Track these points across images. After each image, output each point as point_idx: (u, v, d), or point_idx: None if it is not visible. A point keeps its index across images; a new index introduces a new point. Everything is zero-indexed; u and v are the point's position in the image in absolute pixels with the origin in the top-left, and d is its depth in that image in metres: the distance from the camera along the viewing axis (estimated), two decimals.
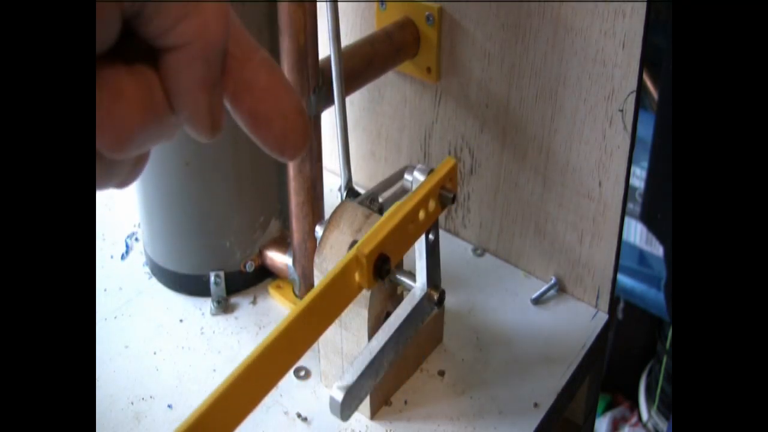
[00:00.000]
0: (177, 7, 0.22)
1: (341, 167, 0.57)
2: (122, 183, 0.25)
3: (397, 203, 0.46)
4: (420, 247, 0.52)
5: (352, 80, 0.61)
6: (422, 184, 0.48)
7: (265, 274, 0.68)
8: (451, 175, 0.50)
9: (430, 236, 0.51)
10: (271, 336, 0.36)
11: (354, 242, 0.45)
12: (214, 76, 0.24)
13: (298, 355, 0.38)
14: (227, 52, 0.24)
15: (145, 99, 0.23)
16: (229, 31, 0.23)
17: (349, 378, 0.48)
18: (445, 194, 0.49)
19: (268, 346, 0.36)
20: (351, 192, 0.57)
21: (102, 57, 0.22)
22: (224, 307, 0.66)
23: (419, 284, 0.53)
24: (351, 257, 0.41)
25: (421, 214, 0.47)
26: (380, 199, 0.56)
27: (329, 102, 0.58)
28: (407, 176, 0.52)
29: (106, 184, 0.25)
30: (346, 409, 0.48)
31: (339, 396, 0.48)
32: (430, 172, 0.50)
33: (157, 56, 0.23)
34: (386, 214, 0.45)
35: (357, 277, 0.41)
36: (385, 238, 0.43)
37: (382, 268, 0.42)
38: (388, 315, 0.54)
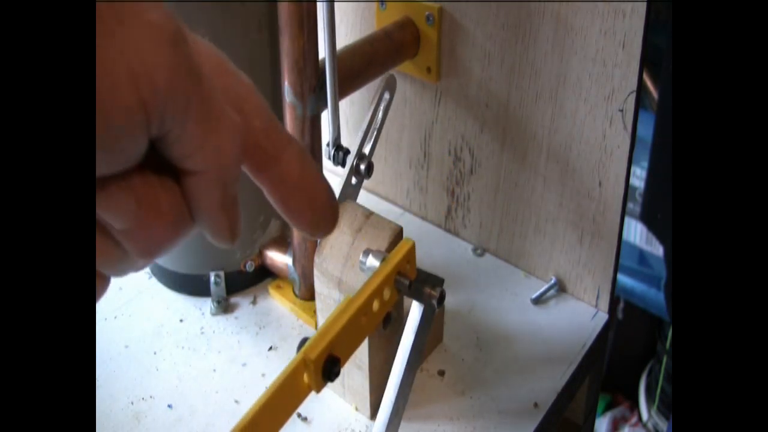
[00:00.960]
0: (195, 136, 0.23)
1: (329, 123, 0.56)
2: (136, 270, 0.27)
3: (348, 297, 0.43)
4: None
5: (352, 80, 0.61)
6: (376, 273, 0.45)
7: (265, 274, 0.68)
8: (409, 258, 0.46)
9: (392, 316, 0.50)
10: None
11: (305, 340, 0.42)
12: (231, 195, 0.25)
13: None
14: (261, 148, 0.26)
15: (177, 216, 0.24)
16: (241, 155, 0.25)
17: None
18: (401, 280, 0.46)
19: None
20: (339, 148, 0.56)
21: (134, 169, 0.23)
22: (224, 307, 0.66)
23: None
24: (298, 361, 0.39)
25: (375, 305, 0.44)
26: (365, 151, 0.55)
27: (324, 105, 0.58)
28: (362, 258, 0.48)
29: (120, 273, 0.26)
30: None
31: None
32: (384, 258, 0.47)
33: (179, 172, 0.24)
34: (335, 310, 0.42)
35: (305, 379, 0.40)
36: (333, 339, 0.41)
37: (331, 370, 0.40)
38: (388, 316, 0.54)
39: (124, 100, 0.21)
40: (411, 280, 0.46)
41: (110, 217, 0.24)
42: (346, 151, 0.56)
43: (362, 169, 0.54)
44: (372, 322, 0.44)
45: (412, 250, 0.46)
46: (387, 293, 0.45)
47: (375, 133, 0.55)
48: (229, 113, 0.24)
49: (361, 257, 0.48)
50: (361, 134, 0.54)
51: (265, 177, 0.26)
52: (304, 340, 0.41)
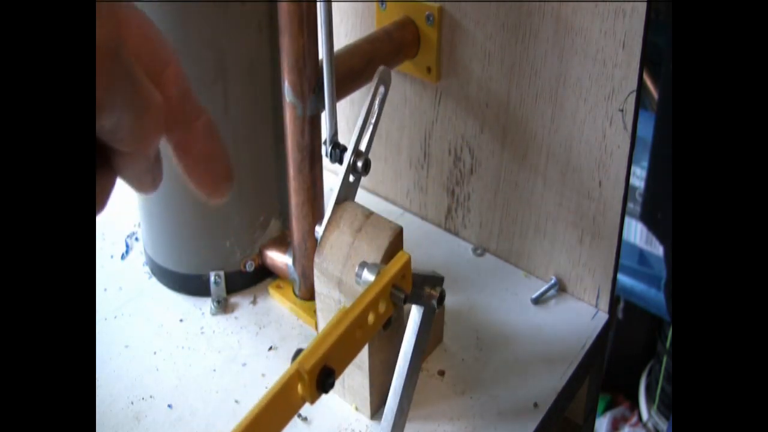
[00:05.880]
0: (125, 127, 0.25)
1: (326, 120, 0.56)
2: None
3: (343, 308, 0.43)
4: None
5: (352, 79, 0.61)
6: (371, 285, 0.45)
7: (265, 274, 0.68)
8: (404, 272, 0.46)
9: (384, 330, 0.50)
10: None
11: (299, 351, 0.43)
12: (153, 159, 0.28)
13: None
14: (174, 115, 0.28)
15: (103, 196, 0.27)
16: (162, 131, 0.27)
17: None
18: (396, 294, 0.46)
19: None
20: (336, 146, 0.56)
21: None
22: (224, 306, 0.66)
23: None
24: (292, 373, 0.39)
25: (371, 318, 0.44)
26: (362, 147, 0.55)
27: (322, 105, 0.58)
28: (358, 271, 0.48)
29: None
30: None
31: None
32: (380, 271, 0.47)
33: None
34: (330, 322, 0.42)
35: (300, 390, 0.39)
36: (327, 351, 0.40)
37: (325, 382, 0.40)
38: (388, 318, 0.54)
39: None
40: (407, 293, 0.46)
41: None
42: (343, 149, 0.56)
43: (359, 167, 0.54)
44: (367, 335, 0.44)
45: (407, 264, 0.46)
46: (382, 306, 0.45)
47: (371, 128, 0.55)
48: (155, 97, 0.26)
49: (356, 270, 0.48)
50: (357, 130, 0.54)
51: (174, 140, 0.28)
52: (298, 352, 0.41)
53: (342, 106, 0.77)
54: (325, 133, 0.57)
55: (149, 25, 0.26)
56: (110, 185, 0.27)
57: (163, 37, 0.27)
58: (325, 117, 0.57)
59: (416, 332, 0.50)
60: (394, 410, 0.50)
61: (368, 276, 0.47)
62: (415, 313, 0.51)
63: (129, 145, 0.26)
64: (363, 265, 0.48)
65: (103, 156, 0.26)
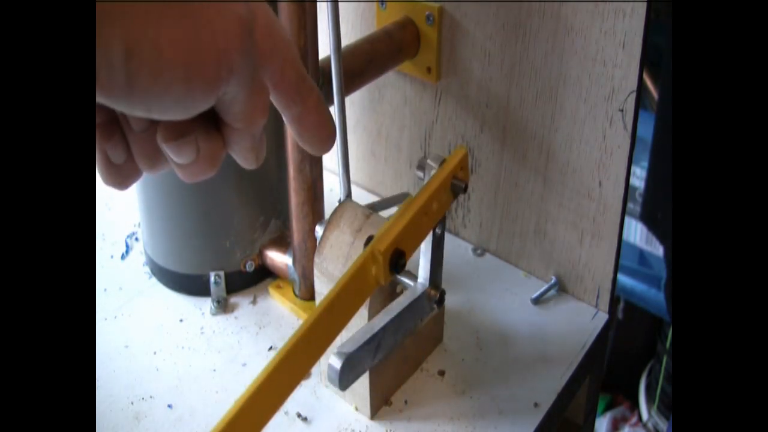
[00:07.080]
0: (242, 103, 0.29)
1: (341, 178, 0.56)
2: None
3: (410, 197, 0.47)
4: (426, 240, 0.52)
5: (353, 80, 0.61)
6: (435, 175, 0.49)
7: (265, 274, 0.68)
8: (463, 165, 0.50)
9: (437, 230, 0.52)
10: (297, 334, 0.38)
11: (370, 238, 0.46)
12: (258, 138, 0.32)
13: (322, 351, 0.40)
14: (290, 94, 0.32)
15: (210, 156, 0.31)
16: (267, 116, 0.31)
17: (349, 347, 0.48)
18: (457, 184, 0.50)
19: (294, 344, 0.38)
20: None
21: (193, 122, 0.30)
22: (224, 306, 0.66)
23: (421, 279, 0.53)
24: (368, 254, 0.42)
25: (435, 205, 0.48)
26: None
27: (329, 101, 0.58)
28: (418, 172, 0.52)
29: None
30: (344, 376, 0.47)
31: (337, 363, 0.46)
32: (442, 162, 0.50)
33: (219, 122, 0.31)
34: (400, 207, 0.46)
35: (373, 271, 0.43)
36: (400, 233, 0.44)
37: (397, 262, 0.44)
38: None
39: (211, 72, 0.27)
40: (466, 183, 0.50)
41: (176, 158, 0.30)
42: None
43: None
44: (431, 221, 0.49)
45: (465, 158, 0.50)
46: (444, 195, 0.49)
47: None
48: (265, 85, 0.31)
49: (416, 171, 0.52)
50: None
51: (290, 114, 0.33)
52: (370, 238, 0.44)
53: None
54: (340, 190, 0.57)
55: (273, 16, 0.30)
56: (220, 151, 0.31)
57: (285, 32, 0.31)
58: (339, 174, 0.56)
59: (409, 300, 0.51)
60: (354, 348, 0.48)
61: (432, 164, 0.51)
62: (413, 289, 0.52)
63: (239, 121, 0.30)
64: (425, 158, 0.51)
65: (217, 126, 0.31)
